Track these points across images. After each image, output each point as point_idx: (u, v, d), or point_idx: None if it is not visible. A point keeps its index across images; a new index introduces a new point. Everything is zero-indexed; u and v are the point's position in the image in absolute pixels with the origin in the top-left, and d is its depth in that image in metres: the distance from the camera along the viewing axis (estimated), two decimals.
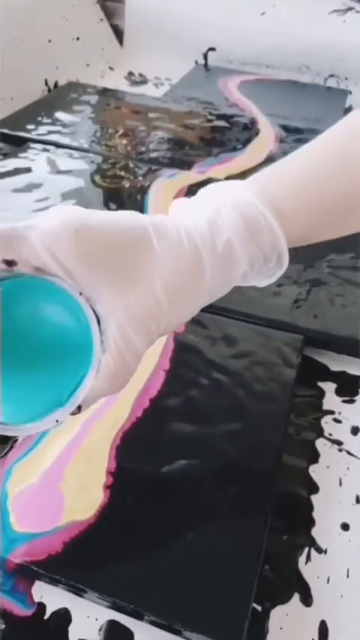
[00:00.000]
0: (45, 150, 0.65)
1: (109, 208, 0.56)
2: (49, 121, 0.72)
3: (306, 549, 0.32)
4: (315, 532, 0.33)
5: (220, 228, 0.24)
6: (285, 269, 0.27)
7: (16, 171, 0.60)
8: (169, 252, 0.23)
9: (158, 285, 0.23)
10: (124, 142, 0.69)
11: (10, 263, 0.22)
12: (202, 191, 0.27)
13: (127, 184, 0.60)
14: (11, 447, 0.33)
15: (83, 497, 0.30)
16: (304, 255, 0.52)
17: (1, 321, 0.23)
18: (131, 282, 0.23)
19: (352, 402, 0.41)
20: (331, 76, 0.94)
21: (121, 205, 0.57)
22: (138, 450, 0.33)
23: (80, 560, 0.28)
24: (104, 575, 0.28)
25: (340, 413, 0.41)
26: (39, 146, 0.66)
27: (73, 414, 0.24)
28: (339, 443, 0.39)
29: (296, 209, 0.26)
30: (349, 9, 0.89)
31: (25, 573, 0.28)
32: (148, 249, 0.23)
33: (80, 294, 0.22)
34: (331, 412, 0.41)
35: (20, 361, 0.23)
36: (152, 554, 0.29)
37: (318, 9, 0.91)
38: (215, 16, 0.95)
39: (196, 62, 1.00)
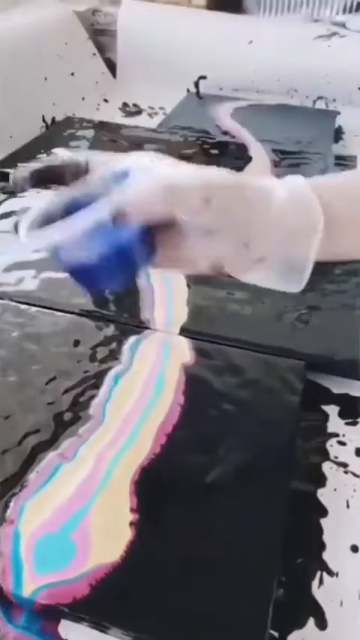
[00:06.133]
0: (47, 188, 0.67)
1: None
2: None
3: (318, 573, 0.33)
4: (326, 555, 0.34)
5: None
6: None
7: (18, 211, 0.62)
8: None
9: None
10: None
11: None
12: None
13: None
14: (23, 485, 0.34)
15: (110, 537, 0.31)
16: None
17: None
18: None
19: (355, 423, 0.43)
20: (319, 98, 0.97)
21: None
22: (156, 485, 0.35)
23: (106, 598, 0.29)
24: (128, 611, 0.29)
25: (344, 435, 0.42)
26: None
27: None
28: (344, 465, 0.40)
29: None
30: (334, 34, 0.92)
31: (52, 613, 0.30)
32: None
33: None
34: (336, 435, 0.42)
35: None
36: (171, 588, 0.30)
37: (303, 35, 0.94)
38: (204, 46, 0.98)
39: (188, 90, 1.02)
